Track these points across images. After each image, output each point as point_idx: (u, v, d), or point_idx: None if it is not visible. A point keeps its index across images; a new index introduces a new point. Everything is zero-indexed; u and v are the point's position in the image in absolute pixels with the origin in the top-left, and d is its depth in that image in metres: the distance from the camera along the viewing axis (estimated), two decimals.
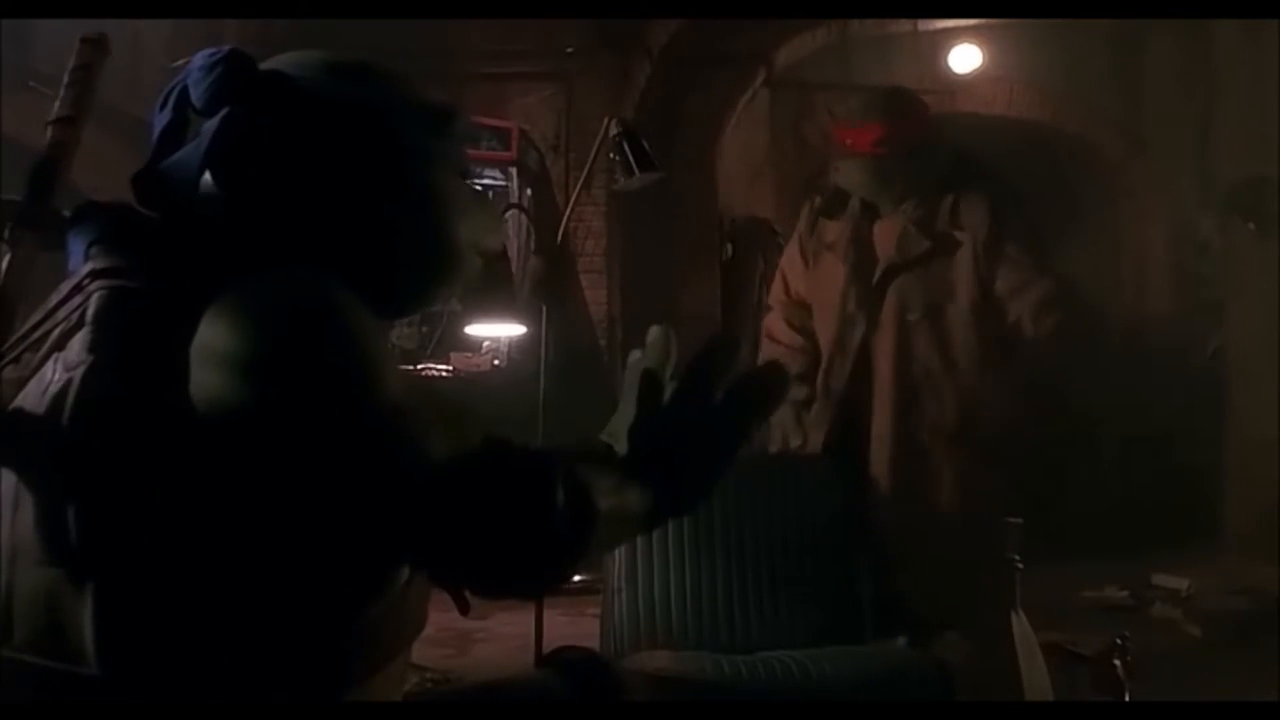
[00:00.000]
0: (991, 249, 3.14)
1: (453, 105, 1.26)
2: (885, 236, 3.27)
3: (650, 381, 1.08)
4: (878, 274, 3.23)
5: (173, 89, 1.20)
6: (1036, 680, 2.70)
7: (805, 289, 3.49)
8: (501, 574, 1.01)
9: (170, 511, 1.01)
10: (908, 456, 3.15)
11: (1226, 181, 6.39)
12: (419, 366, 5.15)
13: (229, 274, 1.02)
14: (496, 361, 5.35)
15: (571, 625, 2.71)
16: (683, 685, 2.33)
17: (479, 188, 5.30)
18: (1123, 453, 6.80)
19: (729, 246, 6.57)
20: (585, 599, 2.93)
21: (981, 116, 7.15)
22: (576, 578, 1.09)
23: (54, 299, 1.11)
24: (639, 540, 2.63)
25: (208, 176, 1.15)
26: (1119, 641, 2.67)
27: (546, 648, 2.90)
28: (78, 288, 1.09)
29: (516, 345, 5.06)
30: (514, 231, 5.30)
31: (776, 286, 3.66)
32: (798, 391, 3.33)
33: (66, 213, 1.19)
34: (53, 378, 1.05)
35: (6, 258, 1.14)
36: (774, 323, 3.55)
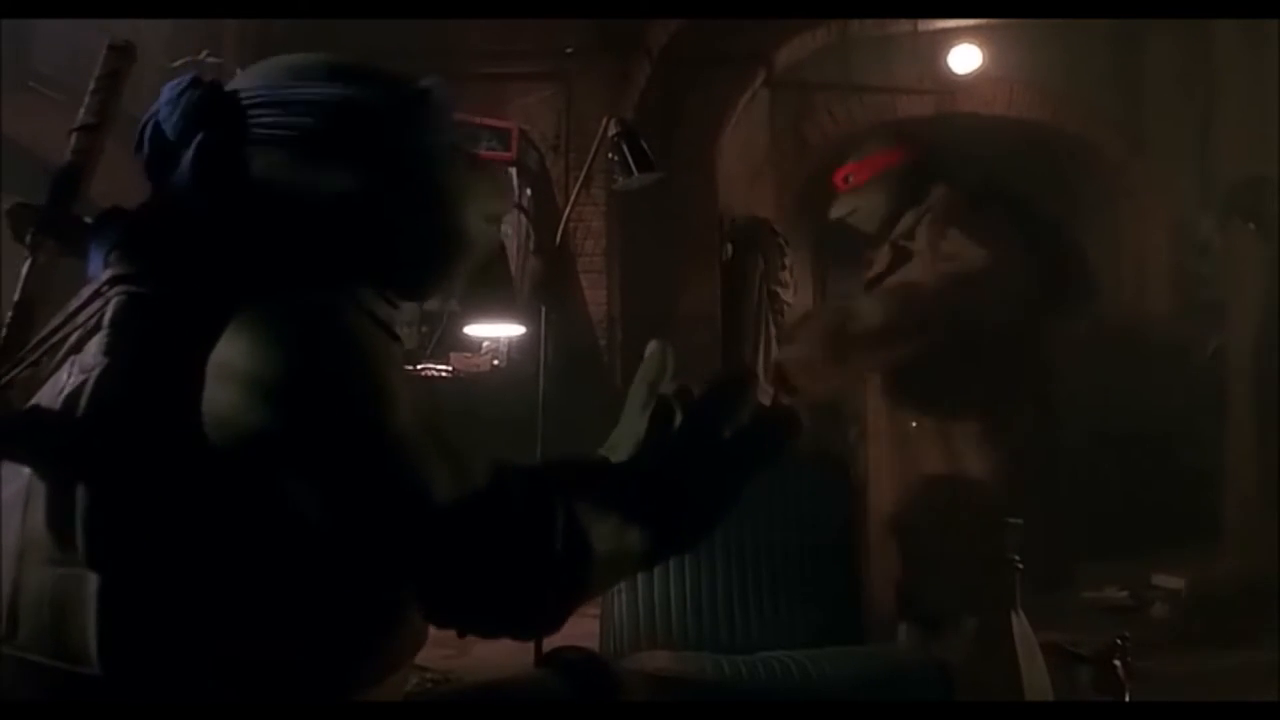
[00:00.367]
0: (936, 241, 3.11)
1: (427, 82, 1.25)
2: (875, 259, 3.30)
3: (662, 407, 1.06)
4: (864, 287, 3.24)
5: (145, 124, 1.21)
6: (1036, 680, 2.70)
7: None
8: (493, 616, 1.03)
9: (175, 516, 1.02)
10: (907, 455, 3.15)
11: (1226, 181, 6.39)
12: (419, 366, 5.15)
13: (243, 283, 1.05)
14: (496, 362, 5.35)
15: (571, 625, 2.70)
16: (682, 685, 2.33)
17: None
18: (1123, 453, 6.80)
19: (729, 246, 6.56)
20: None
21: (981, 116, 7.15)
22: None
23: (74, 304, 1.13)
24: None
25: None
26: (1119, 642, 2.67)
27: (546, 648, 2.90)
28: (97, 293, 1.11)
29: (516, 345, 5.06)
30: (514, 231, 5.30)
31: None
32: None
33: (87, 219, 1.21)
34: (68, 380, 1.07)
35: (28, 263, 1.16)
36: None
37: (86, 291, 1.12)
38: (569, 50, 5.91)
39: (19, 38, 4.43)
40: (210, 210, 1.16)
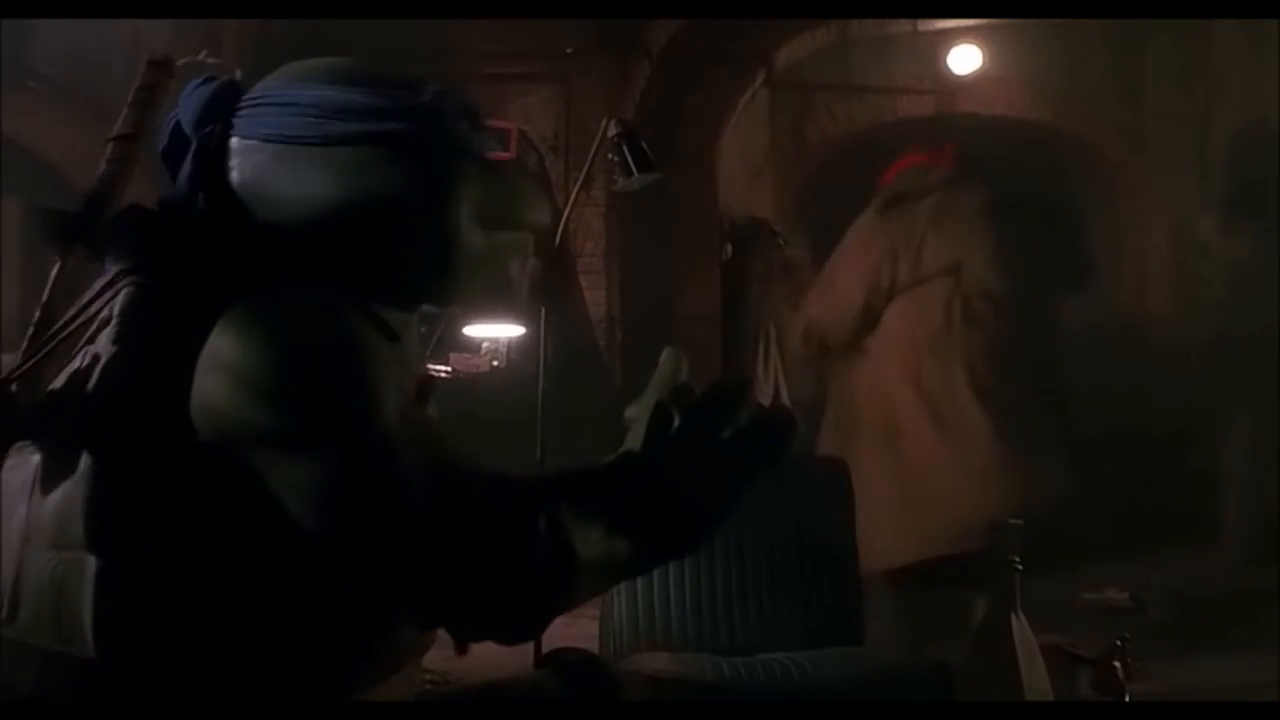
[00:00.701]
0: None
1: (445, 92, 1.22)
2: None
3: (661, 414, 1.03)
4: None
5: (168, 119, 1.24)
6: (1036, 681, 2.70)
7: None
8: (471, 620, 1.03)
9: (171, 503, 1.03)
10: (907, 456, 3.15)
11: (1226, 181, 6.39)
12: (429, 366, 5.14)
13: (244, 278, 1.07)
14: (496, 362, 5.34)
15: (570, 626, 2.70)
16: (682, 687, 2.32)
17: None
18: (1123, 453, 6.79)
19: (729, 247, 6.56)
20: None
21: (981, 116, 7.15)
22: None
23: (87, 295, 1.15)
24: None
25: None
26: (1119, 643, 2.67)
27: (545, 649, 2.90)
28: (109, 285, 1.13)
29: (516, 346, 5.05)
30: None
31: None
32: None
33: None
34: (79, 366, 1.09)
35: (57, 267, 1.19)
36: None
37: (99, 284, 1.14)
38: (568, 51, 5.90)
39: (19, 38, 4.43)
40: (207, 206, 1.17)
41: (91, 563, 1.03)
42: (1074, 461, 6.53)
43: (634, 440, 1.02)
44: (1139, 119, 7.19)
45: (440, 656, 1.24)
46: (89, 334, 1.12)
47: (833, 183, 7.10)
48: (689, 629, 2.66)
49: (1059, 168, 7.43)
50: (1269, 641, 3.85)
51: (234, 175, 1.17)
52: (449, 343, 5.36)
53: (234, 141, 1.18)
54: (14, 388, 1.15)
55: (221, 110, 1.19)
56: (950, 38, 7.01)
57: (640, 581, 2.67)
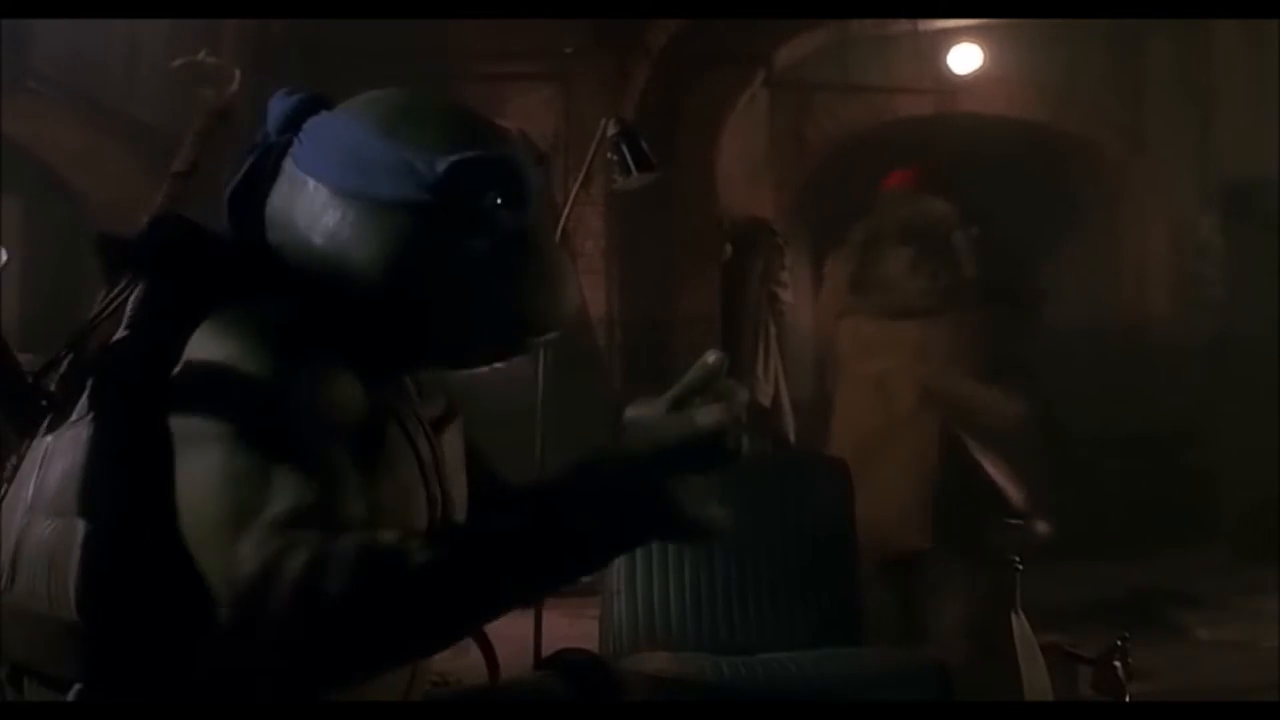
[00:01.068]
0: None
1: (483, 159, 1.20)
2: None
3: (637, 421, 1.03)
4: None
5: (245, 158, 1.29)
6: (1036, 681, 2.70)
7: None
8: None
9: (159, 474, 1.07)
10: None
11: (1226, 181, 6.39)
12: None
13: (244, 288, 1.16)
14: (496, 363, 5.34)
15: (570, 627, 2.71)
16: (682, 686, 2.32)
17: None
18: (1123, 453, 6.79)
19: (729, 246, 6.56)
20: (584, 601, 2.93)
21: (981, 116, 7.14)
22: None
23: (118, 286, 1.23)
24: None
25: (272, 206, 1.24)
26: (1119, 642, 2.66)
27: (546, 649, 2.90)
28: (133, 279, 1.22)
29: None
30: None
31: None
32: None
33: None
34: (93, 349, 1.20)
35: (105, 291, 1.25)
36: None
37: (126, 278, 1.23)
38: (568, 50, 5.90)
39: (19, 38, 4.43)
40: (241, 211, 1.25)
41: (81, 527, 1.08)
42: (1074, 461, 6.55)
43: (631, 440, 1.02)
44: (1139, 119, 7.19)
45: (440, 657, 1.24)
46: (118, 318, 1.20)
47: (833, 183, 7.10)
48: (689, 629, 2.66)
49: (1059, 168, 7.43)
50: (1269, 641, 3.85)
51: (276, 191, 1.23)
52: None
53: (288, 162, 1.24)
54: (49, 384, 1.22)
55: (296, 123, 1.25)
56: (950, 38, 7.01)
57: (640, 582, 2.67)
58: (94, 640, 1.06)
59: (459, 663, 1.34)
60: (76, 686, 1.08)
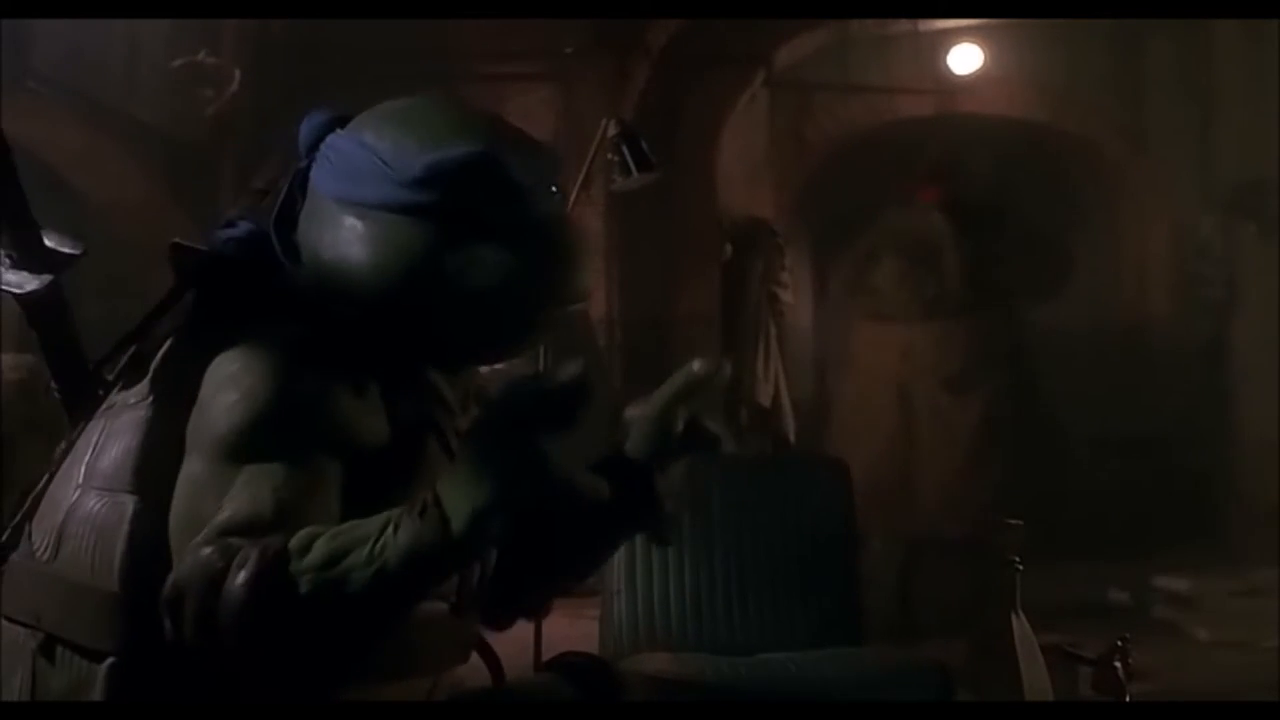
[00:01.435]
0: None
1: (480, 159, 1.19)
2: None
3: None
4: None
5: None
6: (1036, 681, 2.70)
7: None
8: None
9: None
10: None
11: (1227, 181, 6.39)
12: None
13: (276, 307, 1.22)
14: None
15: (570, 627, 2.70)
16: (682, 687, 2.32)
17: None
18: (1123, 453, 6.79)
19: (729, 246, 6.56)
20: (584, 601, 2.93)
21: (981, 116, 7.14)
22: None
23: (165, 298, 1.30)
24: (637, 542, 2.63)
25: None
26: (1119, 643, 2.66)
27: (545, 649, 2.90)
28: (183, 287, 1.29)
29: None
30: None
31: None
32: None
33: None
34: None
35: (169, 292, 1.31)
36: None
37: (178, 287, 1.29)
38: (568, 50, 5.90)
39: (19, 38, 4.43)
40: (275, 235, 1.28)
41: (132, 503, 1.15)
42: (1074, 461, 6.55)
43: (633, 443, 1.02)
44: (1139, 119, 7.19)
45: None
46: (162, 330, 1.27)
47: (833, 183, 7.10)
48: (689, 629, 2.66)
49: (1059, 168, 7.43)
50: (1269, 641, 3.85)
51: (303, 213, 1.26)
52: None
53: (310, 183, 1.26)
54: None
55: (318, 144, 1.26)
56: (950, 38, 7.00)
57: (640, 582, 2.67)
58: (132, 612, 1.10)
59: (463, 664, 1.35)
60: (110, 660, 1.12)
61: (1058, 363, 6.81)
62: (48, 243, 1.45)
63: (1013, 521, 2.72)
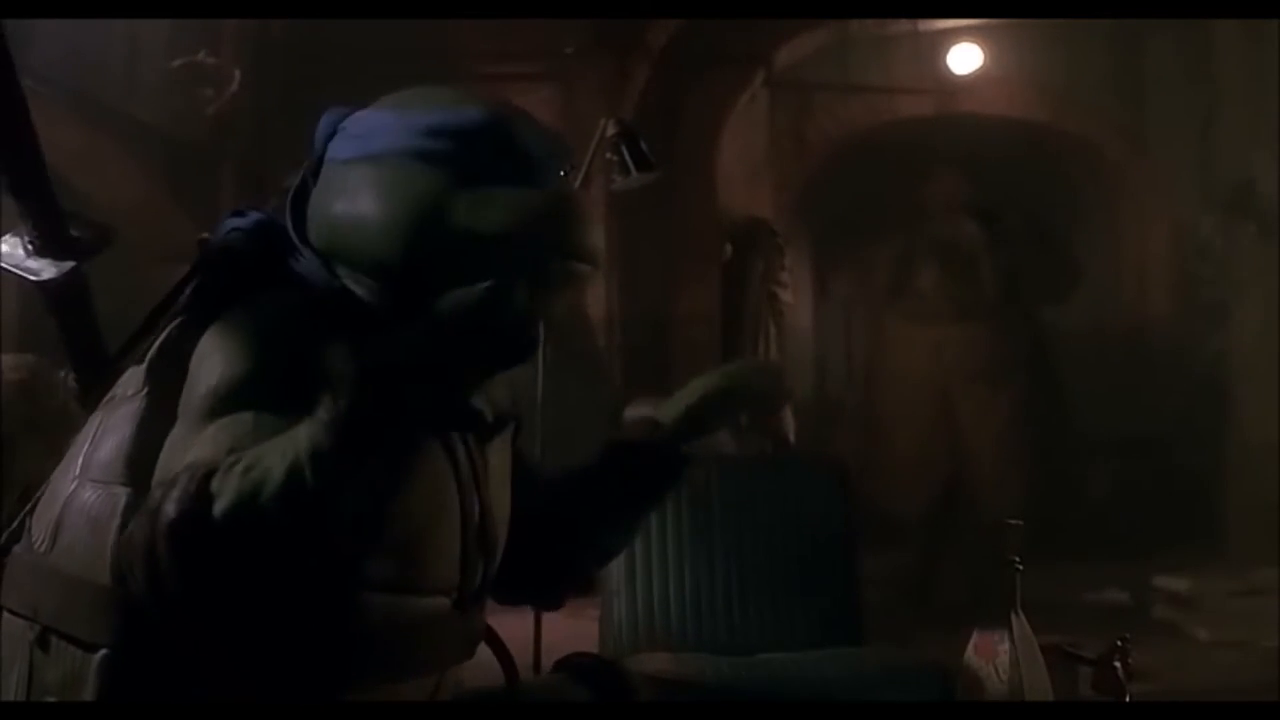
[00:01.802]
0: None
1: (489, 124, 1.25)
2: None
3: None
4: None
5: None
6: (1036, 681, 2.69)
7: None
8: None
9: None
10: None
11: (1227, 181, 6.39)
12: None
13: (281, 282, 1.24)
14: None
15: (570, 627, 2.71)
16: (682, 687, 2.32)
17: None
18: (1123, 453, 6.79)
19: (729, 246, 6.56)
20: (585, 601, 2.93)
21: (981, 116, 7.14)
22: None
23: (176, 282, 1.31)
24: (637, 542, 2.63)
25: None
26: (1119, 643, 2.66)
27: (545, 649, 2.90)
28: (191, 274, 1.30)
29: None
30: None
31: None
32: None
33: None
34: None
35: (179, 281, 1.31)
36: None
37: (186, 274, 1.31)
38: (568, 50, 5.90)
39: (19, 38, 4.42)
40: (290, 222, 1.30)
41: (125, 495, 1.15)
42: (1074, 461, 6.55)
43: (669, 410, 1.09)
44: (1139, 119, 7.19)
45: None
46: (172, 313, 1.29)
47: (833, 183, 7.10)
48: (689, 629, 2.66)
49: (1059, 168, 7.43)
50: (1269, 641, 3.85)
51: (314, 194, 1.28)
52: None
53: (324, 168, 1.28)
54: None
55: (326, 135, 1.29)
56: (950, 38, 7.00)
57: (640, 582, 2.67)
58: (125, 605, 1.09)
59: (465, 664, 1.34)
60: (103, 652, 1.12)
61: (1058, 363, 6.81)
62: (73, 231, 1.45)
63: (1013, 521, 2.72)
